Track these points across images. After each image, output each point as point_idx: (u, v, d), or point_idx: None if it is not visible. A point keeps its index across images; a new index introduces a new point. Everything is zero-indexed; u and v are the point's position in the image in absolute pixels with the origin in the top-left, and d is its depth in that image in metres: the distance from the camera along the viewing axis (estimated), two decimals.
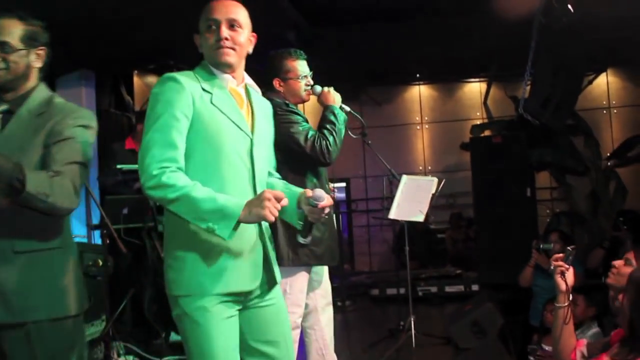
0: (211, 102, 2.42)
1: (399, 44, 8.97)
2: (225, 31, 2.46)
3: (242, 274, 2.42)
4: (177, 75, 2.42)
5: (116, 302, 5.52)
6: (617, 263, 3.28)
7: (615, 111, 10.85)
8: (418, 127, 11.69)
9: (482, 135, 9.65)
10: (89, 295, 5.35)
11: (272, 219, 2.28)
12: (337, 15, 8.32)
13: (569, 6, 6.44)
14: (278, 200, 2.30)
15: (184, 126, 2.36)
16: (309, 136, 3.59)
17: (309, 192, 2.46)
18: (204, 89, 2.43)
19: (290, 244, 3.58)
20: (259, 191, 2.46)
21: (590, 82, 10.16)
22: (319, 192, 2.45)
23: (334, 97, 3.78)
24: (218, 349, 2.34)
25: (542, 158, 8.73)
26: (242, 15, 2.53)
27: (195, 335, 2.35)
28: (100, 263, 5.05)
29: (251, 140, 2.50)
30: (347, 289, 8.59)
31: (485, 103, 10.62)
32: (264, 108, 2.70)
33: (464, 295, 7.90)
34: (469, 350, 5.09)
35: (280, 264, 3.47)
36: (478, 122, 10.97)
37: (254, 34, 2.60)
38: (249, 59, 2.63)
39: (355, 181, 11.49)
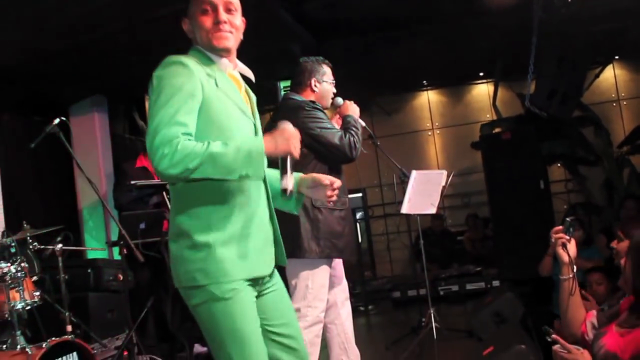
0: (216, 86, 2.35)
1: (404, 52, 8.95)
2: (223, 14, 2.40)
3: (262, 258, 2.40)
4: (183, 58, 2.32)
5: (139, 315, 5.54)
6: (613, 243, 3.26)
7: (625, 103, 10.73)
8: (429, 134, 11.65)
9: (492, 132, 9.59)
10: (111, 309, 5.47)
11: (297, 154, 2.31)
12: (340, 27, 8.31)
13: None
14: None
15: (195, 109, 2.27)
16: (337, 132, 3.76)
17: None
18: (207, 74, 2.34)
19: (313, 236, 3.66)
20: (268, 175, 2.49)
21: (597, 76, 10.04)
22: None
23: (354, 109, 4.02)
24: (252, 329, 2.29)
25: (553, 150, 8.70)
26: None
27: (228, 316, 2.26)
28: (121, 277, 5.04)
29: (254, 124, 2.49)
30: (369, 294, 8.55)
31: (494, 104, 10.54)
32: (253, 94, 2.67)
33: (485, 292, 7.78)
34: (491, 337, 5.01)
35: (302, 257, 3.64)
36: None
37: (244, 19, 2.54)
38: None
39: (371, 190, 11.47)
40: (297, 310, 3.62)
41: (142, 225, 5.57)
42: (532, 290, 6.75)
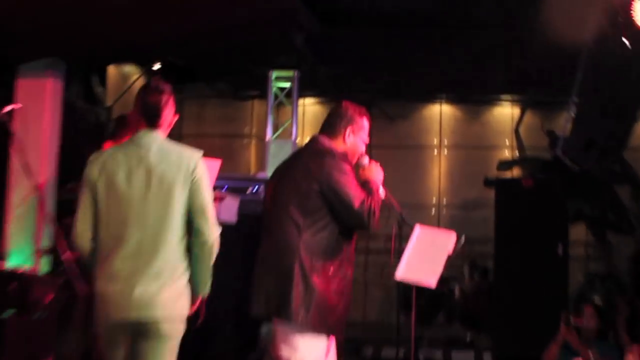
0: None
1: (422, 53, 9.11)
2: None
3: None
4: None
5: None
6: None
7: None
8: (435, 151, 11.67)
9: (511, 175, 9.84)
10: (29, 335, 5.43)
11: None
12: (353, 15, 8.49)
13: (625, 40, 6.51)
14: None
15: None
16: (360, 194, 3.91)
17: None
18: None
19: (303, 302, 3.77)
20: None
21: None
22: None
23: (377, 174, 4.16)
24: None
25: (579, 209, 8.81)
26: None
27: None
28: (49, 299, 5.16)
29: None
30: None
31: (516, 130, 10.69)
32: None
33: None
34: None
35: (287, 319, 3.81)
36: (506, 151, 11.03)
37: None
38: None
39: None
40: None
41: None
42: None
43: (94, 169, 3.48)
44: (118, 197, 3.41)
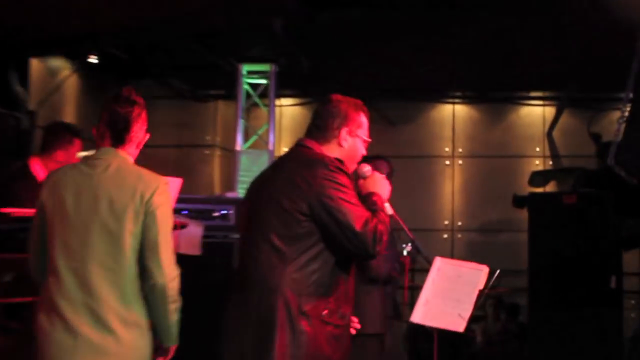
0: None
1: (431, 42, 9.13)
2: None
3: None
4: None
5: None
6: None
7: None
8: (447, 162, 11.62)
9: (546, 188, 9.67)
10: None
11: None
12: None
13: None
14: None
15: None
16: (362, 213, 3.75)
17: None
18: None
19: (291, 356, 3.66)
20: None
21: None
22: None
23: (383, 186, 4.09)
24: None
25: (635, 232, 8.53)
26: None
27: None
28: None
29: None
30: None
31: (549, 134, 10.63)
32: None
33: None
34: None
35: None
36: (536, 161, 10.99)
37: None
38: None
39: None
40: None
41: (8, 278, 5.22)
42: None
43: (44, 190, 3.59)
44: (64, 225, 3.47)
